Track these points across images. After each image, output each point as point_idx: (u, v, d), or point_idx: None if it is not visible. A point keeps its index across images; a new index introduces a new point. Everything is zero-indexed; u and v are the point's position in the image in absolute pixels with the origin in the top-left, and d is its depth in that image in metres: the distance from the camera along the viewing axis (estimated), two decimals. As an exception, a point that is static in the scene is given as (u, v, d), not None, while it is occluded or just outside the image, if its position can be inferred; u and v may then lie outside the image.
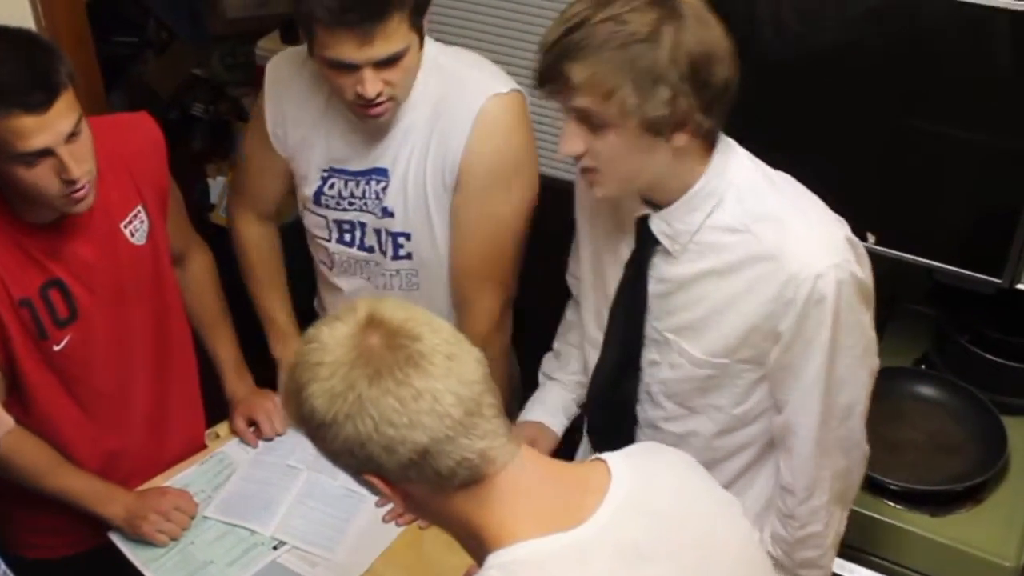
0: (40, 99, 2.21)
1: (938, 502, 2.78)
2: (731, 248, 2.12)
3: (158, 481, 2.80)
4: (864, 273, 2.12)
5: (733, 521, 1.84)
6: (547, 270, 2.72)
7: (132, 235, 2.61)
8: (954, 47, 2.63)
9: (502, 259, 2.72)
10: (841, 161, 2.71)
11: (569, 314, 2.75)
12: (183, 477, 2.82)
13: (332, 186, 2.73)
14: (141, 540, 2.65)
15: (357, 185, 2.70)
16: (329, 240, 2.82)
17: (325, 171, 2.73)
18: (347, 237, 2.79)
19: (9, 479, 2.64)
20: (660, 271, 2.24)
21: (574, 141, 2.07)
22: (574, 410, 2.70)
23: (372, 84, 2.43)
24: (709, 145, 2.13)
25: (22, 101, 2.19)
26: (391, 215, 2.69)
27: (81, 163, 2.30)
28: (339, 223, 2.78)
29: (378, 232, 2.74)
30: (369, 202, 2.70)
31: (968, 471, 2.86)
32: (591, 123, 2.03)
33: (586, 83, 1.98)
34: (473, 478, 1.60)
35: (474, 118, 2.56)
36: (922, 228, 2.53)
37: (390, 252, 2.75)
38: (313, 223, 2.84)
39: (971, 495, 2.88)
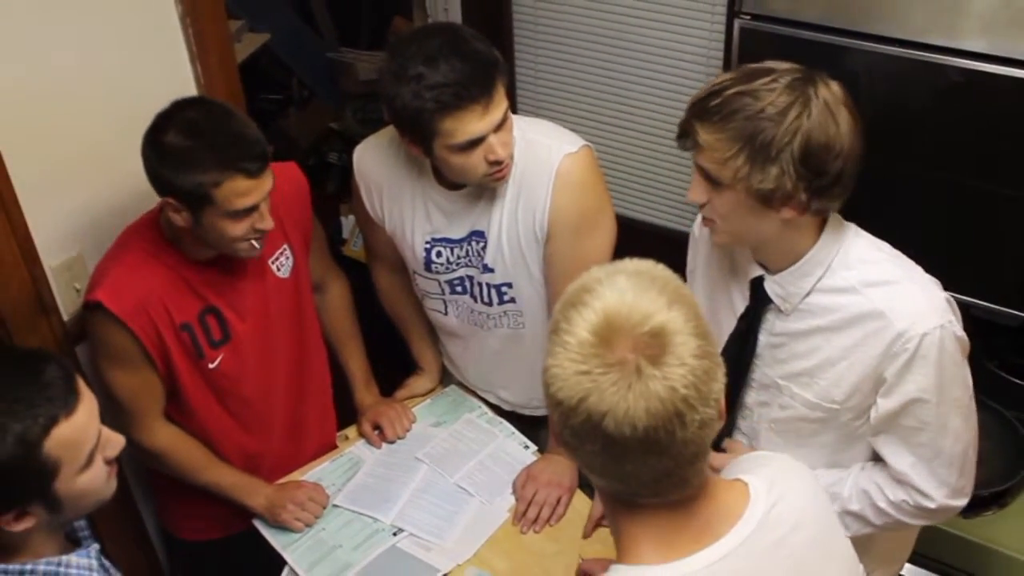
0: (258, 166, 2.34)
1: (968, 506, 2.79)
2: (841, 308, 2.11)
3: (295, 475, 2.86)
4: (962, 331, 2.10)
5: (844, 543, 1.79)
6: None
7: (279, 270, 2.70)
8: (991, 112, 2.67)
9: None
10: (898, 214, 2.75)
11: None
12: (317, 472, 2.88)
13: (439, 254, 2.73)
14: (280, 526, 2.71)
15: (460, 248, 2.70)
16: (443, 294, 2.84)
17: (428, 242, 2.72)
18: (459, 288, 2.79)
19: (168, 472, 2.74)
20: (773, 326, 2.24)
21: (697, 192, 2.09)
22: None
23: (503, 146, 2.43)
24: (818, 221, 2.12)
25: (244, 168, 2.31)
26: (491, 271, 2.69)
27: (270, 218, 2.43)
28: (450, 282, 2.79)
29: (481, 285, 2.74)
30: (473, 259, 2.70)
31: (994, 479, 2.88)
32: (711, 180, 2.04)
33: (708, 145, 2.00)
34: None
35: (552, 178, 2.54)
36: (961, 270, 2.56)
37: (496, 300, 2.75)
38: (425, 285, 2.85)
39: (997, 500, 2.93)
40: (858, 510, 2.25)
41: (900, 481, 2.20)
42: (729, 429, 2.44)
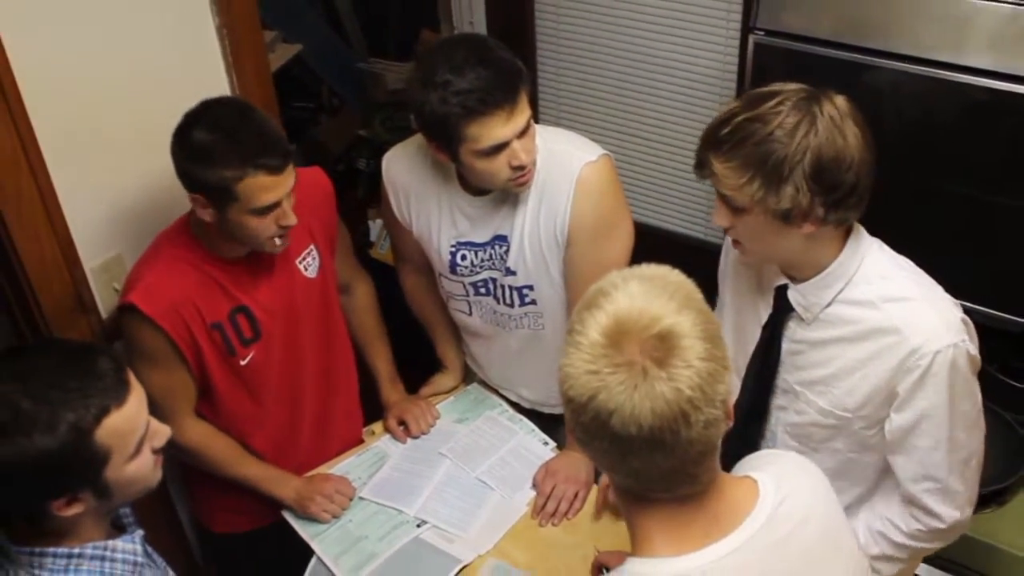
0: (279, 162, 2.36)
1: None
2: (859, 321, 2.12)
3: (323, 469, 2.90)
4: (975, 350, 2.11)
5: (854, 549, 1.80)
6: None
7: (306, 269, 2.73)
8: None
9: None
10: (899, 221, 2.78)
11: None
12: (344, 466, 2.92)
13: (464, 257, 2.76)
14: (309, 518, 2.75)
15: (484, 251, 2.73)
16: (467, 296, 2.87)
17: (453, 246, 2.75)
18: (482, 290, 2.82)
19: (201, 467, 2.78)
20: (793, 333, 2.25)
21: (720, 217, 2.11)
22: None
23: (526, 152, 2.45)
24: (842, 232, 2.13)
25: (266, 164, 2.33)
26: (513, 273, 2.72)
27: (293, 215, 2.44)
28: (474, 284, 2.82)
29: (504, 287, 2.77)
30: (496, 262, 2.73)
31: (994, 478, 2.90)
32: (731, 206, 2.06)
33: (723, 174, 2.01)
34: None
35: (573, 185, 2.56)
36: (963, 278, 2.59)
37: (517, 302, 2.78)
38: (450, 287, 2.89)
39: (995, 497, 2.96)
40: (879, 552, 2.28)
41: (910, 503, 2.22)
42: (758, 436, 2.45)
